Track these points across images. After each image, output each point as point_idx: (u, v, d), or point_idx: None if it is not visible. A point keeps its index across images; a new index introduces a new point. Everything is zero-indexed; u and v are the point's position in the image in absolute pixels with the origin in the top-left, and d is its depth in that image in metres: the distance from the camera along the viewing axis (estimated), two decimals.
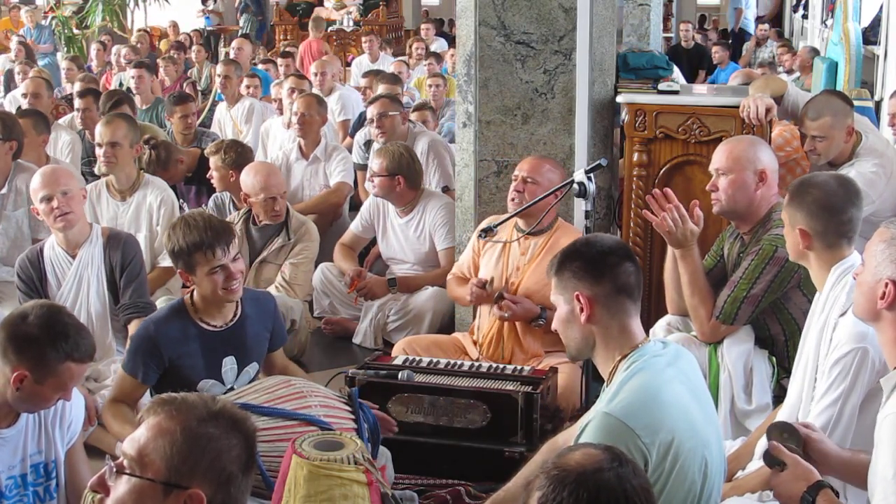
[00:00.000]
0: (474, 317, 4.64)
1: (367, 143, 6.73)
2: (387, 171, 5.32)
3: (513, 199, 4.35)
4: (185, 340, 3.57)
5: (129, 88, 8.99)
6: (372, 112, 6.31)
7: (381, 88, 7.09)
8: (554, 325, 2.64)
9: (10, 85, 11.09)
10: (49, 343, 2.71)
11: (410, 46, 12.81)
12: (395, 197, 5.37)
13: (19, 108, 6.90)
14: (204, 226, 3.57)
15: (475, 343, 4.47)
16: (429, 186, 6.00)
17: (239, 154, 5.66)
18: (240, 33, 14.69)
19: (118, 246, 4.26)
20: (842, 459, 2.55)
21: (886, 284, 2.37)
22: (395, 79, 8.33)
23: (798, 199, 3.07)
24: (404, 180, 5.34)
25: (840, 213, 3.03)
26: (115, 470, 1.88)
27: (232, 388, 3.57)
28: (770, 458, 2.46)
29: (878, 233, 2.47)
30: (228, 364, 3.64)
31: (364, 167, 6.69)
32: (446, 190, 5.97)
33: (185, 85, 10.12)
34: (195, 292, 3.63)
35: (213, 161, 5.68)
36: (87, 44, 14.53)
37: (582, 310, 2.53)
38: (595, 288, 2.53)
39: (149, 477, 1.84)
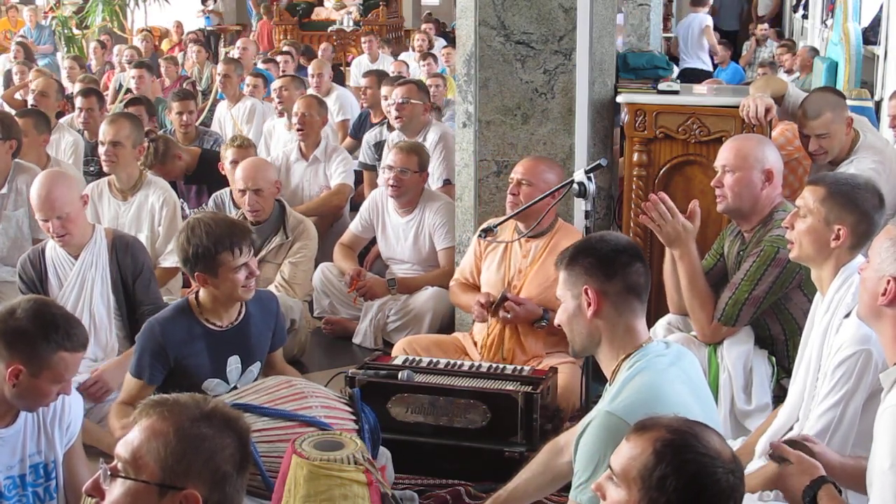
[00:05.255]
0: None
1: (377, 145, 6.72)
2: (419, 167, 5.33)
3: (510, 203, 4.36)
4: (191, 340, 3.57)
5: (129, 89, 9.00)
6: (396, 95, 6.21)
7: (384, 90, 7.07)
8: (559, 320, 2.63)
9: (9, 85, 11.09)
10: (40, 334, 2.70)
11: (413, 40, 12.80)
12: (415, 193, 5.38)
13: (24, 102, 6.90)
14: (225, 224, 3.57)
15: (475, 344, 4.47)
16: (432, 177, 6.01)
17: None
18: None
19: (126, 250, 4.24)
20: (845, 467, 2.56)
21: (888, 281, 2.39)
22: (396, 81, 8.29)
23: (848, 198, 3.02)
24: (426, 175, 5.43)
25: (881, 216, 3.05)
26: (109, 473, 1.88)
27: (235, 388, 3.57)
28: (775, 456, 2.49)
29: (885, 230, 2.48)
30: (233, 363, 3.64)
31: (372, 167, 6.69)
32: (448, 183, 5.97)
33: (184, 85, 10.11)
34: (202, 292, 3.60)
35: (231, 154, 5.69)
36: (87, 44, 14.54)
37: (589, 304, 2.53)
38: (605, 285, 2.53)
39: (143, 479, 1.84)
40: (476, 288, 4.53)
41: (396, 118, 6.21)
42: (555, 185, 4.24)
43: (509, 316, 4.25)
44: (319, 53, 11.54)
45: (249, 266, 3.54)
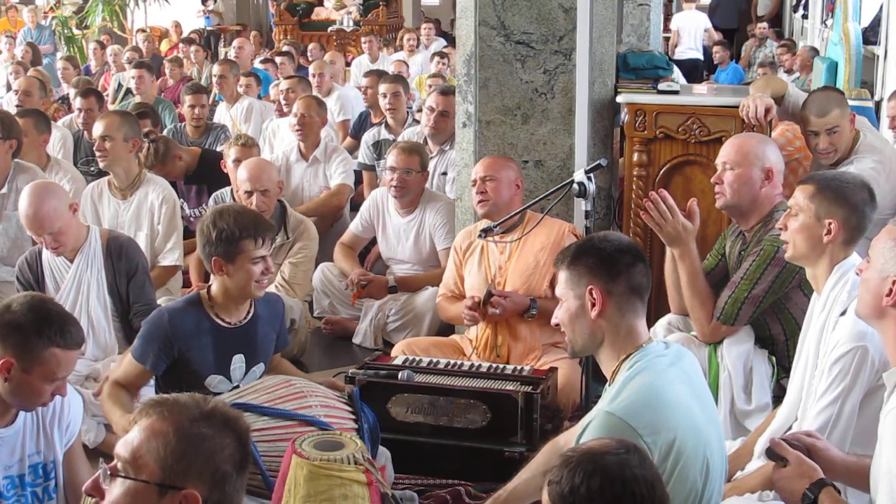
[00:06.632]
0: None
1: (376, 144, 6.71)
2: (420, 167, 5.35)
3: (479, 203, 4.40)
4: (198, 334, 3.57)
5: (129, 89, 9.00)
6: (436, 104, 6.11)
7: (382, 88, 7.06)
8: (559, 320, 2.62)
9: (9, 86, 11.08)
10: (33, 329, 2.68)
11: (402, 38, 12.79)
12: (417, 193, 5.38)
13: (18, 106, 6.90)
14: (252, 214, 3.63)
15: (472, 344, 4.47)
16: (453, 185, 6.01)
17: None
18: None
19: (121, 252, 4.24)
20: (847, 465, 2.55)
21: (894, 282, 2.38)
22: (399, 78, 8.26)
23: (836, 193, 3.04)
24: (427, 174, 5.45)
25: (872, 211, 3.07)
26: (109, 473, 1.88)
27: (237, 387, 3.57)
28: (773, 454, 2.47)
29: (886, 230, 2.48)
30: (237, 362, 3.63)
31: (371, 168, 6.68)
32: None
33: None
34: (214, 286, 3.60)
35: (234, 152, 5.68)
36: (87, 44, 14.53)
37: (594, 304, 2.52)
38: (610, 285, 2.53)
39: (143, 479, 1.84)
40: (463, 297, 4.54)
41: (432, 126, 6.14)
42: (514, 178, 4.44)
43: (498, 312, 4.27)
44: (312, 55, 11.51)
45: (267, 261, 3.56)
